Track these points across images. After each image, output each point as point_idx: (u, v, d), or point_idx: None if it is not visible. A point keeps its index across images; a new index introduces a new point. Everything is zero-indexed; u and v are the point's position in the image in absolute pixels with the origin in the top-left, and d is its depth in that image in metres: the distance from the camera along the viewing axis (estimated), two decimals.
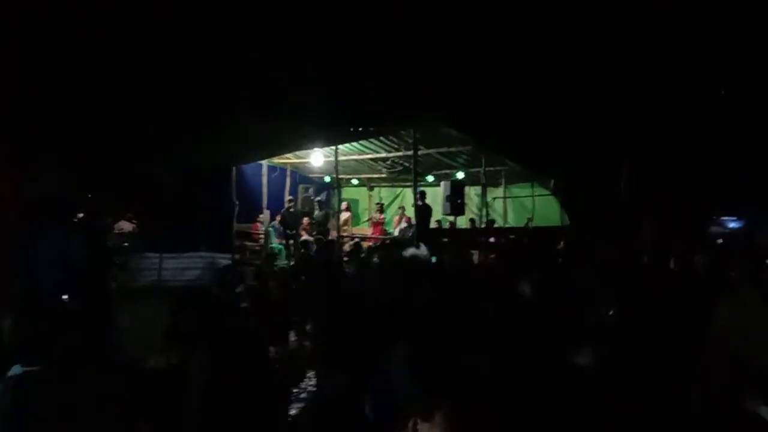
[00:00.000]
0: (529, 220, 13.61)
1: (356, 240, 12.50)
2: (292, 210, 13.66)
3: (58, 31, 5.07)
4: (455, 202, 11.06)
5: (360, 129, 10.28)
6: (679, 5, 5.52)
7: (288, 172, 14.94)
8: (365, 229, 15.63)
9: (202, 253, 10.25)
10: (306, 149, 12.90)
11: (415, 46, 6.09)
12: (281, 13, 5.27)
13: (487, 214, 13.44)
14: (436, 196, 12.10)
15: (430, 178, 14.01)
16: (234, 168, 11.66)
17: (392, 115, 9.14)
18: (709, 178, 8.85)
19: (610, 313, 2.95)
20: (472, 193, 14.18)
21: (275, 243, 13.40)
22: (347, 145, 12.81)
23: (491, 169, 12.95)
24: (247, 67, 6.16)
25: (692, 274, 5.25)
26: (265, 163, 13.52)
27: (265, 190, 13.64)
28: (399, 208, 15.10)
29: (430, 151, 12.53)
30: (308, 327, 4.03)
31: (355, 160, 14.28)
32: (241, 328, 2.08)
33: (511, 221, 14.39)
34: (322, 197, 15.78)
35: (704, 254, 6.19)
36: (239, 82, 6.43)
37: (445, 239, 11.81)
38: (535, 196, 13.60)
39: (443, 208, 11.44)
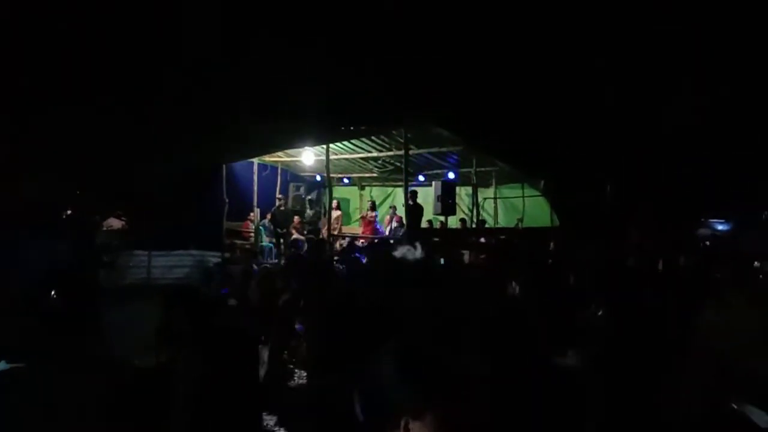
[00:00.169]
0: (520, 220, 13.66)
1: (348, 239, 12.49)
2: (282, 209, 13.62)
3: (57, 31, 5.02)
4: (446, 202, 11.08)
5: (351, 128, 10.27)
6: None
7: (279, 171, 14.89)
8: (356, 228, 15.61)
9: (192, 251, 10.20)
10: (297, 147, 12.88)
11: (409, 46, 6.10)
12: (279, 13, 5.25)
13: (478, 215, 13.48)
14: (428, 196, 12.12)
15: (422, 178, 14.03)
16: (224, 166, 11.62)
17: (384, 115, 9.15)
18: (698, 179, 8.93)
19: (599, 313, 2.97)
20: (463, 193, 14.23)
21: (265, 241, 13.37)
22: (339, 144, 12.80)
23: (482, 169, 13.00)
24: (243, 66, 6.14)
25: (678, 276, 5.30)
26: (255, 161, 13.48)
27: (255, 188, 13.60)
28: (390, 207, 15.08)
29: (422, 151, 12.54)
30: (297, 326, 4.01)
31: (347, 159, 14.27)
32: (230, 326, 2.07)
33: (502, 222, 14.45)
34: (312, 196, 15.75)
35: (690, 256, 6.25)
36: (234, 81, 6.41)
37: (436, 239, 11.82)
38: (526, 196, 13.66)
39: (434, 208, 11.45)
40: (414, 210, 11.40)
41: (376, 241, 12.65)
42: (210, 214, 10.92)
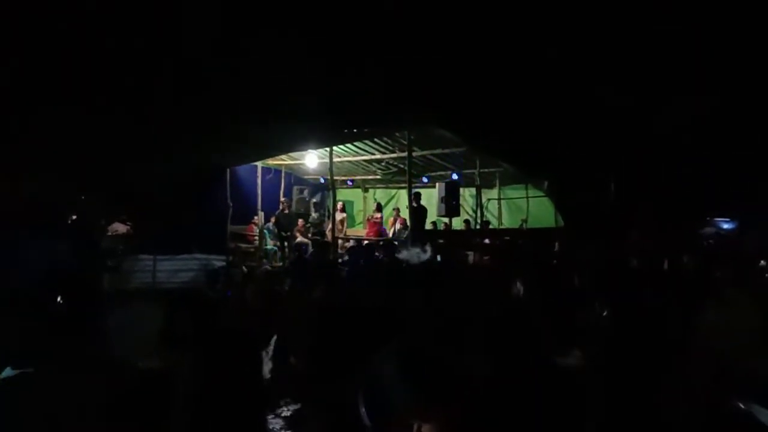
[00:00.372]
0: (524, 221, 13.64)
1: (355, 242, 12.50)
2: (286, 212, 13.65)
3: (58, 31, 5.04)
4: (450, 204, 11.08)
5: (354, 130, 10.27)
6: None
7: (282, 174, 14.93)
8: (360, 231, 15.62)
9: (197, 255, 10.22)
10: (301, 150, 12.90)
11: (410, 47, 6.10)
12: (279, 13, 5.26)
13: (482, 216, 13.46)
14: (432, 197, 12.11)
15: (425, 180, 14.03)
16: (228, 169, 11.65)
17: (387, 117, 9.14)
18: (701, 178, 8.89)
19: (604, 314, 2.95)
20: (466, 194, 14.22)
21: (270, 245, 13.41)
22: (342, 146, 12.81)
23: (486, 170, 12.98)
24: (243, 68, 6.15)
25: (679, 276, 5.28)
26: (259, 164, 13.51)
27: (259, 191, 13.63)
28: (394, 209, 15.09)
29: (425, 152, 12.55)
30: (300, 329, 4.01)
31: (350, 161, 14.29)
32: (233, 329, 2.07)
33: (506, 222, 14.42)
34: (317, 199, 15.76)
35: (693, 255, 6.22)
36: (236, 83, 6.42)
37: (441, 240, 11.82)
38: (530, 197, 13.64)
39: (438, 210, 11.45)
40: (418, 212, 11.40)
41: (381, 243, 12.66)
42: (214, 217, 10.95)
